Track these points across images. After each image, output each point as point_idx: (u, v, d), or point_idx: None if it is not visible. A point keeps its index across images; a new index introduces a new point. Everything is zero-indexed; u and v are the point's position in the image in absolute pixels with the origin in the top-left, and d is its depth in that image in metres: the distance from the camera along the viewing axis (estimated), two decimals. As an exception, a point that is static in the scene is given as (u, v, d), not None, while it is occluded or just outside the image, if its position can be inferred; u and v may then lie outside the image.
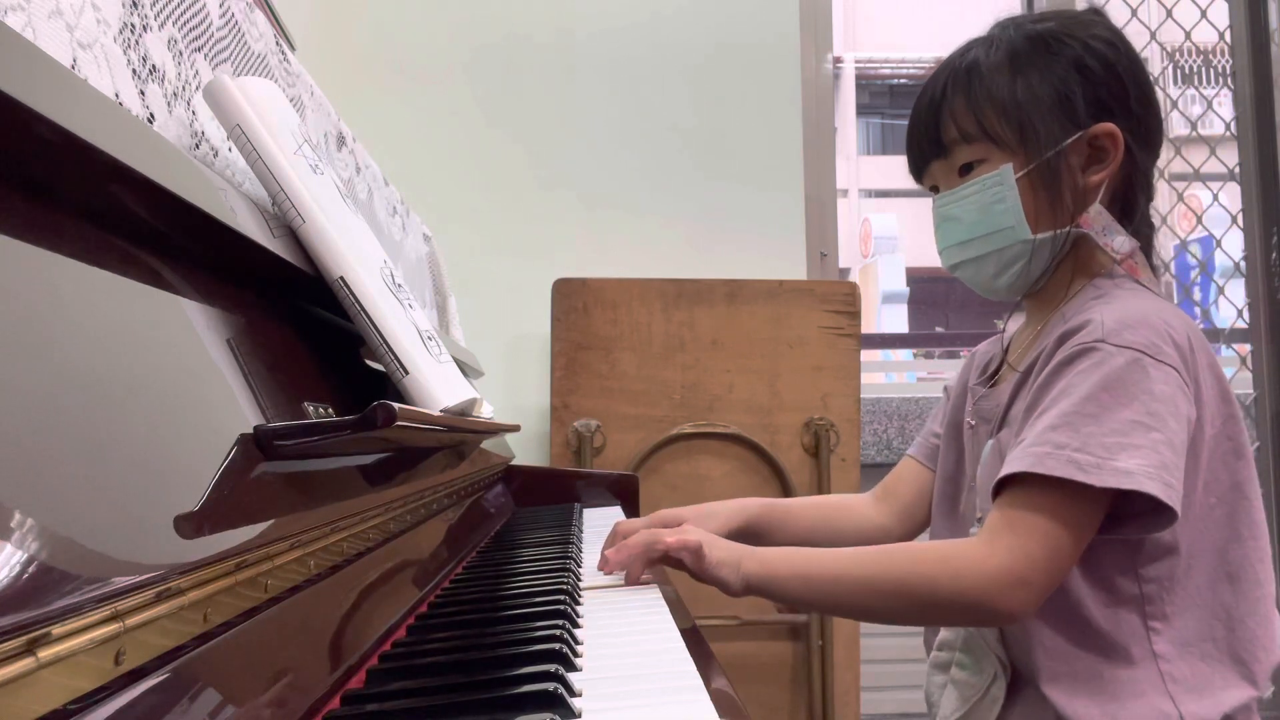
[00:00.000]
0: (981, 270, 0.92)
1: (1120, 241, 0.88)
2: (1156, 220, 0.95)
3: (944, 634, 0.95)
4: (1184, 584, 0.81)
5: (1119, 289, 0.86)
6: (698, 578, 0.82)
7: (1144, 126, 0.88)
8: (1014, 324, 1.00)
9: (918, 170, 0.96)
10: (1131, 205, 0.90)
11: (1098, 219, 0.87)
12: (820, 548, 0.86)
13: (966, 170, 0.90)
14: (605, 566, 0.85)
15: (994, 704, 0.86)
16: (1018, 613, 0.77)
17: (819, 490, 1.87)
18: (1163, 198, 2.20)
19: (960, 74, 0.89)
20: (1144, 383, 0.76)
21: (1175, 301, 2.20)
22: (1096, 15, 0.93)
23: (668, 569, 0.86)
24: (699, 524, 0.95)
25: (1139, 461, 0.73)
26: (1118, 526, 0.78)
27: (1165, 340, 0.78)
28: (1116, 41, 0.89)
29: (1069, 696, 0.81)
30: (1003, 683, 0.86)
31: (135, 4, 0.60)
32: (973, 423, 0.94)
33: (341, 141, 1.08)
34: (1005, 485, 0.78)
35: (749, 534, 1.02)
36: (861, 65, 9.29)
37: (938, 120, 0.90)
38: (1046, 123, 0.86)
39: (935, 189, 0.94)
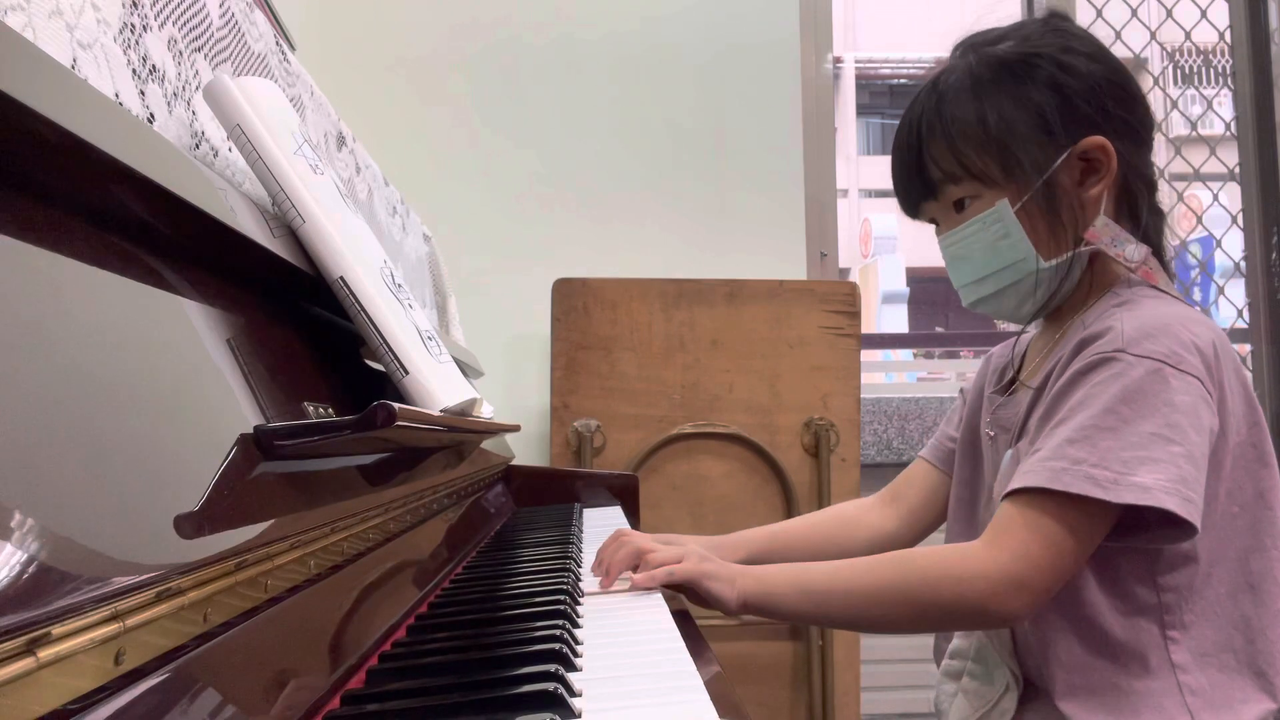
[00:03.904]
0: (1002, 304, 0.90)
1: (1131, 250, 0.85)
2: (1164, 208, 0.92)
3: (956, 642, 0.94)
4: (1203, 593, 0.79)
5: (1139, 295, 0.84)
6: (694, 599, 0.82)
7: (1130, 126, 0.86)
8: (1029, 329, 0.98)
9: (911, 211, 0.94)
10: (1136, 205, 0.88)
11: (1105, 231, 0.85)
12: (817, 561, 0.85)
13: (960, 206, 0.88)
14: (598, 569, 0.85)
15: (1004, 716, 0.86)
16: (1017, 616, 0.77)
17: (819, 491, 1.87)
18: (1163, 198, 2.20)
19: (931, 112, 0.87)
20: (1164, 394, 0.75)
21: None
22: (1062, 21, 0.90)
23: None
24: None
25: (1157, 476, 0.72)
26: (1135, 536, 0.77)
27: (1187, 348, 0.77)
28: (1087, 48, 0.86)
29: (1085, 710, 0.80)
30: (1014, 695, 0.86)
31: (135, 4, 0.60)
32: (991, 433, 0.93)
33: (341, 141, 1.08)
34: (1017, 490, 0.77)
35: (756, 565, 1.01)
36: (861, 65, 9.30)
37: (920, 162, 0.88)
38: (1029, 150, 0.84)
39: (934, 221, 0.93)
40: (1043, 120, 0.84)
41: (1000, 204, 0.85)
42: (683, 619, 0.70)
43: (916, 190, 0.91)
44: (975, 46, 0.89)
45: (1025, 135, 0.84)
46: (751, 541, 1.02)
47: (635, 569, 0.82)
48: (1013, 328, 0.99)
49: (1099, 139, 0.83)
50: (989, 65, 0.86)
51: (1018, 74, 0.85)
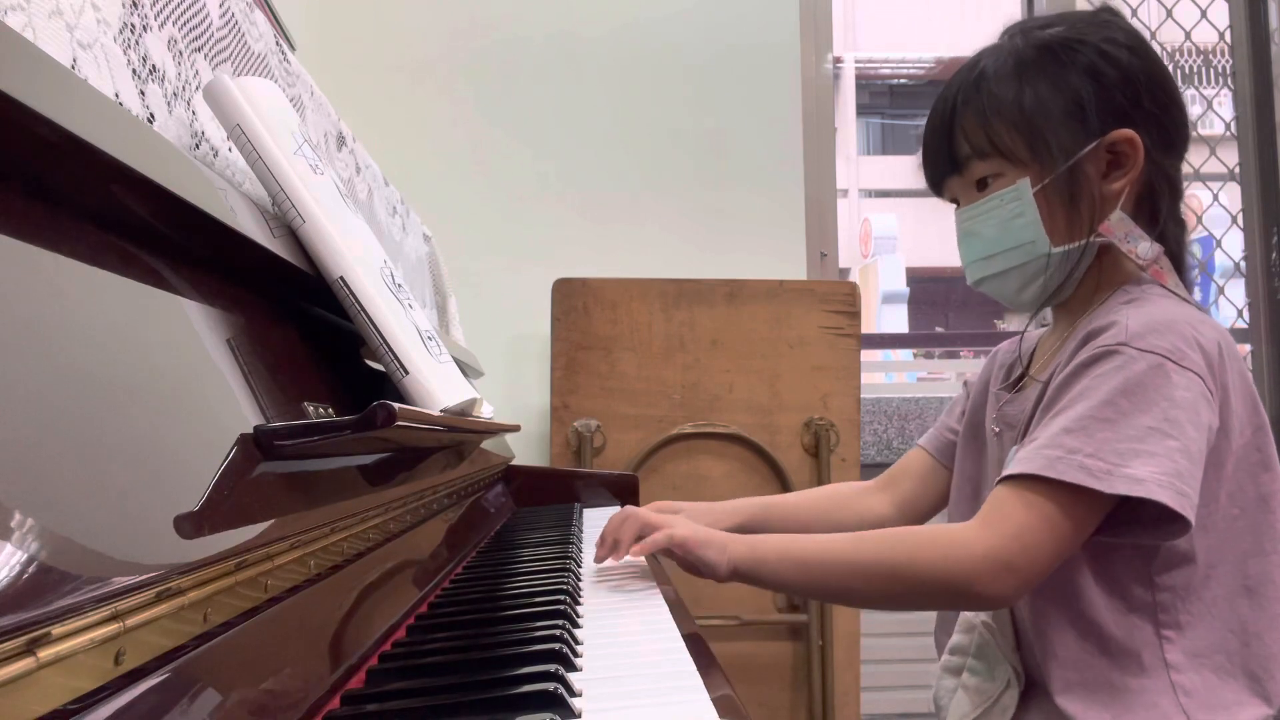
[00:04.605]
0: (1005, 285, 0.91)
1: (1144, 248, 0.86)
2: (1189, 219, 0.93)
3: (957, 638, 0.95)
4: (1200, 594, 0.80)
5: (1148, 294, 0.84)
6: (685, 564, 0.83)
7: (1163, 128, 0.86)
8: (1035, 327, 0.98)
9: (935, 185, 0.94)
10: (1157, 206, 0.88)
11: (1119, 226, 0.85)
12: (809, 534, 0.86)
13: (983, 185, 0.89)
14: (603, 547, 0.87)
15: (1005, 712, 0.86)
16: (1001, 598, 0.77)
17: (819, 490, 1.87)
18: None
19: (969, 87, 0.88)
20: (1165, 388, 0.75)
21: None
22: (1111, 15, 0.90)
23: (664, 564, 0.87)
24: (696, 519, 0.96)
25: (1151, 469, 0.72)
26: (1130, 531, 0.77)
27: (1191, 346, 0.77)
28: (1131, 43, 0.87)
29: (1082, 706, 0.80)
30: (1015, 691, 0.86)
31: (135, 4, 0.60)
32: (997, 429, 0.93)
33: (341, 141, 1.08)
34: (1011, 475, 0.78)
35: (748, 533, 1.02)
36: (861, 65, 9.31)
37: (950, 136, 0.89)
38: (1058, 134, 0.84)
39: (956, 201, 0.93)
40: (1077, 106, 0.84)
41: (1021, 182, 0.86)
42: (683, 619, 0.70)
43: (944, 164, 0.91)
44: (1024, 30, 0.90)
45: (1057, 118, 0.84)
46: (745, 510, 1.04)
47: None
48: (1014, 328, 0.99)
49: (1128, 132, 0.84)
50: (1034, 47, 0.87)
51: (1060, 58, 0.85)
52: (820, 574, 0.81)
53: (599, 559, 0.88)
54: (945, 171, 0.92)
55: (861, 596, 0.86)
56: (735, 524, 1.01)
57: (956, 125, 0.88)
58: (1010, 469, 0.78)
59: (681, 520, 0.85)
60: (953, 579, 0.76)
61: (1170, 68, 2.44)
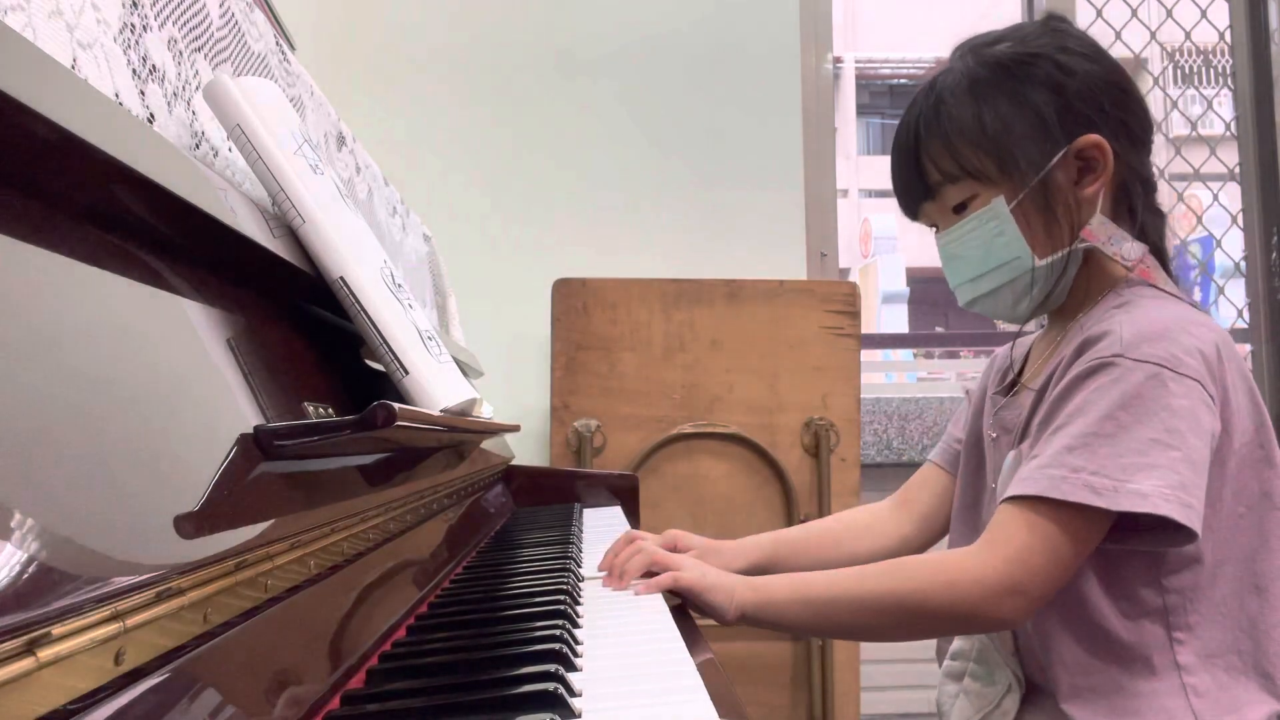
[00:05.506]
0: (999, 303, 0.90)
1: (1129, 248, 0.86)
2: (1164, 209, 0.92)
3: (958, 644, 0.94)
4: (1209, 594, 0.79)
5: (1140, 295, 0.84)
6: (691, 607, 0.82)
7: (1127, 126, 0.86)
8: (1035, 328, 0.98)
9: (911, 213, 0.94)
10: (1134, 204, 0.88)
11: (1101, 230, 0.85)
12: (816, 571, 0.86)
13: (960, 208, 0.88)
14: (603, 565, 0.86)
15: (1005, 717, 0.86)
16: (1011, 620, 0.77)
17: (819, 491, 1.87)
18: (1163, 198, 2.21)
19: (929, 113, 0.88)
20: (1163, 398, 0.75)
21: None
22: (1060, 23, 0.90)
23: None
24: (704, 559, 0.95)
25: (1155, 482, 0.72)
26: (1137, 538, 0.77)
27: (1188, 352, 0.77)
28: (1079, 47, 0.87)
29: (1089, 712, 0.80)
30: (1016, 695, 0.86)
31: (135, 4, 0.60)
32: (994, 435, 0.93)
33: (341, 141, 1.08)
34: (1014, 496, 0.77)
35: (759, 572, 1.01)
36: (861, 65, 9.31)
37: (918, 164, 0.89)
38: (1025, 149, 0.84)
39: (935, 226, 0.93)
40: (1039, 119, 0.84)
41: (996, 201, 0.86)
42: (682, 619, 0.70)
43: (916, 192, 0.91)
44: (974, 49, 0.89)
45: (1022, 134, 0.84)
46: (757, 550, 1.01)
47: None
48: (1013, 327, 0.99)
49: (1095, 137, 0.84)
50: (987, 66, 0.87)
51: (1015, 74, 0.85)
52: (829, 611, 0.81)
53: (605, 584, 0.87)
54: (919, 198, 0.91)
55: (872, 631, 0.85)
56: (745, 565, 0.98)
57: (922, 153, 0.88)
58: (1013, 489, 0.77)
59: (689, 562, 0.84)
60: (961, 607, 0.76)
61: (1170, 68, 2.45)
